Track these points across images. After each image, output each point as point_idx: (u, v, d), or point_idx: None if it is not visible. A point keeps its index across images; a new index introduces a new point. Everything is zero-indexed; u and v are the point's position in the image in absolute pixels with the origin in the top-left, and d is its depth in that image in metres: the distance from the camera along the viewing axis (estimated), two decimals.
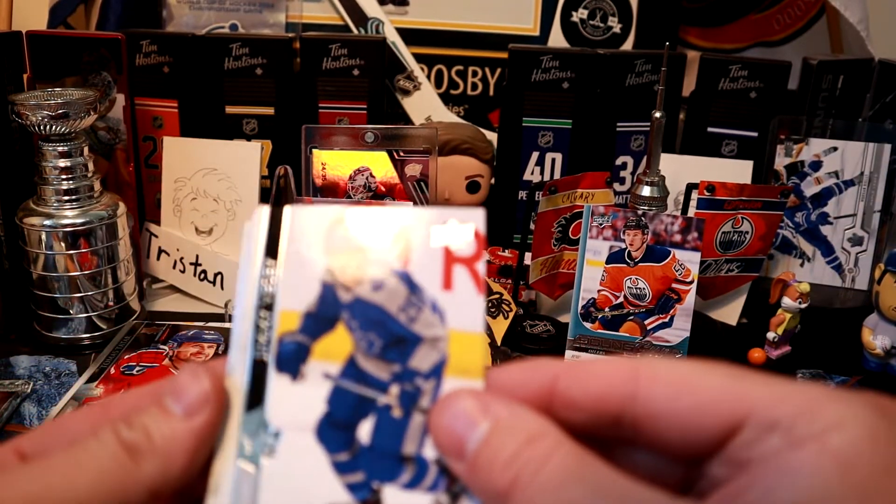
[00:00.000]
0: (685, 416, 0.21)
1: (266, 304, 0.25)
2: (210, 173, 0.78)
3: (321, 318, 0.25)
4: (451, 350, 0.24)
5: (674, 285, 0.67)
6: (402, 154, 0.72)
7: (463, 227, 0.25)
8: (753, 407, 0.20)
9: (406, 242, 0.25)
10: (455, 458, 0.22)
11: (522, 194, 0.87)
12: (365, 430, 0.24)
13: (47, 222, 0.66)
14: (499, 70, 0.93)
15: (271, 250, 0.25)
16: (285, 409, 0.24)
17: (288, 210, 0.26)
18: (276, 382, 0.24)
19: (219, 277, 0.77)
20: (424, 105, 0.93)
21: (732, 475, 0.21)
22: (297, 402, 0.24)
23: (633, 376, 0.22)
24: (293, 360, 0.24)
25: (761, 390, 0.21)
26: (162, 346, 0.69)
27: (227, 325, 0.73)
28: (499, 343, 0.69)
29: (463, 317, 0.24)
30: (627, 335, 0.67)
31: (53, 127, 0.65)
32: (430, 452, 0.23)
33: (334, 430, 0.24)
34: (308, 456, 0.23)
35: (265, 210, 0.26)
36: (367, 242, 0.25)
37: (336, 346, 0.24)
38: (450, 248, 0.25)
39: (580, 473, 0.20)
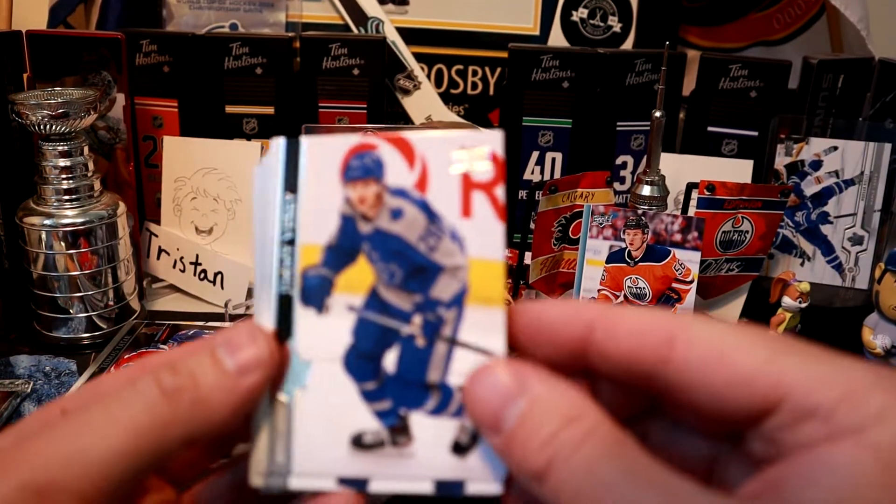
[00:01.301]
0: (719, 390, 0.21)
1: (288, 240, 0.25)
2: (210, 173, 0.78)
3: (342, 250, 0.25)
4: (471, 279, 0.24)
5: (674, 285, 0.67)
6: None
7: (480, 150, 0.25)
8: (791, 388, 0.20)
9: (423, 169, 0.25)
10: (491, 432, 0.22)
11: (522, 194, 0.87)
12: (390, 360, 0.24)
13: (47, 222, 0.66)
14: (499, 69, 0.93)
15: (290, 184, 0.25)
16: (313, 342, 0.24)
17: (304, 142, 0.25)
18: (303, 316, 0.24)
19: (219, 277, 0.77)
20: (424, 104, 0.93)
21: (769, 456, 0.20)
22: (324, 335, 0.24)
23: (669, 338, 0.21)
24: (317, 294, 0.24)
25: (801, 369, 0.20)
26: (162, 346, 0.69)
27: (227, 324, 0.73)
28: None
29: (483, 245, 0.24)
30: None
31: (53, 126, 0.65)
32: (454, 380, 0.24)
33: (361, 361, 0.24)
34: (337, 385, 0.24)
35: (282, 142, 0.25)
36: (384, 171, 0.25)
37: (358, 278, 0.25)
38: (468, 174, 0.24)
39: (615, 457, 0.20)
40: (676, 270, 0.66)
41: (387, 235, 0.24)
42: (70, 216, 0.67)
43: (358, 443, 0.24)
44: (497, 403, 0.22)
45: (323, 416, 0.24)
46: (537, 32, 0.93)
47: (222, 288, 0.77)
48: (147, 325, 0.73)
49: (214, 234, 0.79)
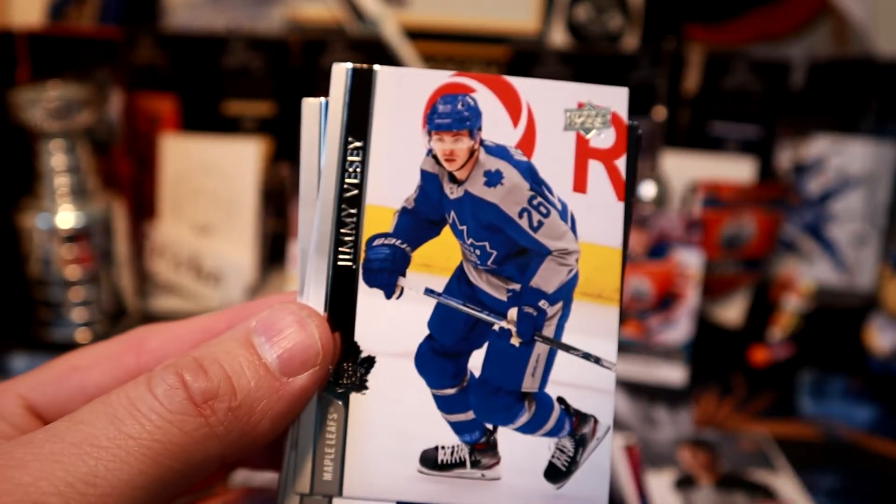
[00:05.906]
0: None
1: (349, 198, 0.19)
2: (209, 171, 0.78)
3: (422, 217, 0.20)
4: (582, 267, 0.20)
5: (676, 284, 0.66)
6: None
7: (600, 110, 0.20)
8: None
9: (530, 125, 0.20)
10: None
11: None
12: (476, 361, 0.20)
13: (44, 221, 0.66)
14: (500, 68, 0.93)
15: (356, 127, 0.19)
16: (378, 332, 0.20)
17: (380, 72, 0.20)
18: (367, 298, 0.20)
19: (216, 276, 0.76)
20: None
21: None
22: (393, 324, 0.20)
23: None
24: (387, 271, 0.20)
25: None
26: None
27: None
28: None
29: (598, 228, 0.20)
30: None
31: (51, 125, 0.64)
32: (554, 390, 0.20)
33: (439, 359, 0.20)
34: (407, 389, 0.20)
35: (348, 70, 0.19)
36: (481, 121, 0.20)
37: (441, 256, 0.20)
38: (584, 137, 0.20)
39: None
40: (678, 270, 0.66)
41: (480, 204, 0.20)
42: (67, 215, 0.66)
43: (429, 461, 0.19)
44: None
45: (386, 426, 0.19)
46: (539, 30, 0.92)
47: (220, 287, 0.76)
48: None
49: (213, 233, 0.78)
